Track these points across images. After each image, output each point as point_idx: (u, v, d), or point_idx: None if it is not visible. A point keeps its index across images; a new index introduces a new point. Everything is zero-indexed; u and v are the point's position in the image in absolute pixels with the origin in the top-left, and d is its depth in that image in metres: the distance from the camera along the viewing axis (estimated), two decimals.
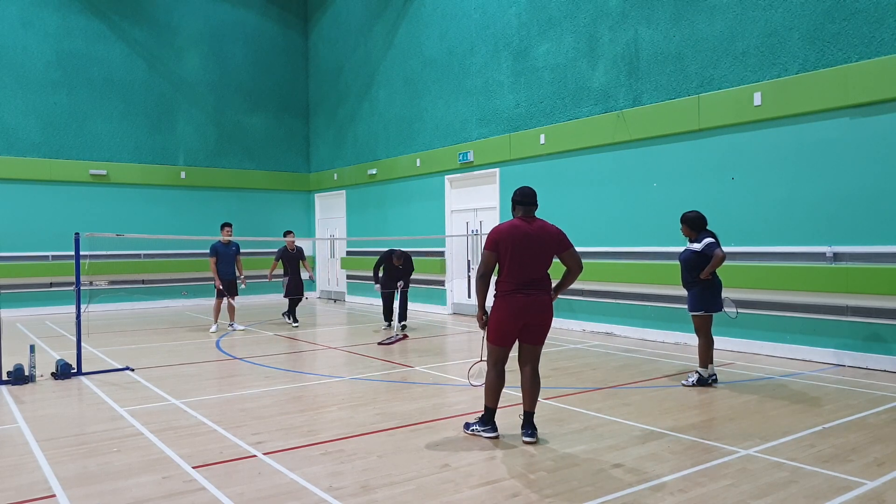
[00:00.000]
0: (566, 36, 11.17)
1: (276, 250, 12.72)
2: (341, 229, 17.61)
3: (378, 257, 11.55)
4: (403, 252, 11.33)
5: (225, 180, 17.20)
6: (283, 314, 12.63)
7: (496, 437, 4.99)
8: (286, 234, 12.43)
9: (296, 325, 12.17)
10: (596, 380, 7.13)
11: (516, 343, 5.03)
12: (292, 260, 12.17)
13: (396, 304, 11.32)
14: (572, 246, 5.01)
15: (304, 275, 12.39)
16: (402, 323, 11.26)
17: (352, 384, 7.06)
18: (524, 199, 5.03)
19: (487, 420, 5.05)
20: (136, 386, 7.03)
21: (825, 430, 5.13)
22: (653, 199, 9.89)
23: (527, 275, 4.84)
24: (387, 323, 11.68)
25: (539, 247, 4.86)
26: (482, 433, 5.04)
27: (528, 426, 4.93)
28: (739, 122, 8.81)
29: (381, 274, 11.56)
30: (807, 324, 8.19)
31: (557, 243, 4.93)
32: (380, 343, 9.81)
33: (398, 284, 11.22)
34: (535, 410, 5.02)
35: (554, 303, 5.02)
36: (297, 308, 12.39)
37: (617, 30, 10.37)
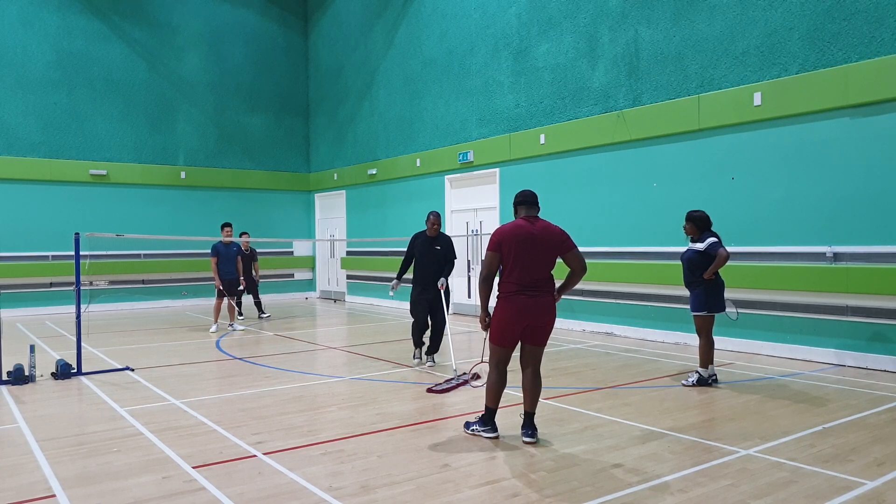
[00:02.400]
0: (566, 36, 11.17)
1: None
2: (341, 229, 17.60)
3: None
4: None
5: (225, 180, 17.20)
6: (259, 317, 13.32)
7: (496, 438, 4.99)
8: (241, 234, 13.43)
9: (241, 317, 13.07)
10: (596, 380, 7.13)
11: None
12: (244, 260, 12.80)
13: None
14: (576, 247, 4.97)
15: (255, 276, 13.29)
16: (432, 355, 8.08)
17: (352, 384, 7.06)
18: (526, 200, 5.02)
19: (487, 420, 5.04)
20: (136, 386, 7.03)
21: (825, 430, 5.13)
22: (653, 199, 9.89)
23: (529, 276, 4.82)
24: (420, 352, 8.18)
25: (542, 247, 4.84)
26: (482, 433, 5.03)
27: (529, 426, 4.93)
28: (739, 122, 8.81)
29: (408, 268, 8.24)
30: (807, 324, 8.19)
31: (561, 244, 4.91)
32: (431, 389, 6.63)
33: (439, 283, 7.84)
34: (536, 411, 5.03)
35: (557, 304, 5.02)
36: (241, 302, 13.06)
37: (617, 30, 10.36)
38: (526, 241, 4.82)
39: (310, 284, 18.79)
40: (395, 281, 8.15)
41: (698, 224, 6.86)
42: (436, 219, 7.93)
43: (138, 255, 15.76)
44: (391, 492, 3.95)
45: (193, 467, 4.38)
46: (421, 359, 8.13)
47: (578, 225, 10.62)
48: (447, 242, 8.08)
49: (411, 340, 8.27)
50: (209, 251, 11.80)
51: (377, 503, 3.79)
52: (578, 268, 4.92)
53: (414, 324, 8.06)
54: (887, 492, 3.88)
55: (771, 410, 5.77)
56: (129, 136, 15.94)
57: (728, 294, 7.10)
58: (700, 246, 6.76)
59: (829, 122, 7.98)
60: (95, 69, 15.52)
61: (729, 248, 7.40)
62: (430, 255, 7.93)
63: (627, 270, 10.13)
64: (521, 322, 4.84)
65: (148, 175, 16.05)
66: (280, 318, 13.51)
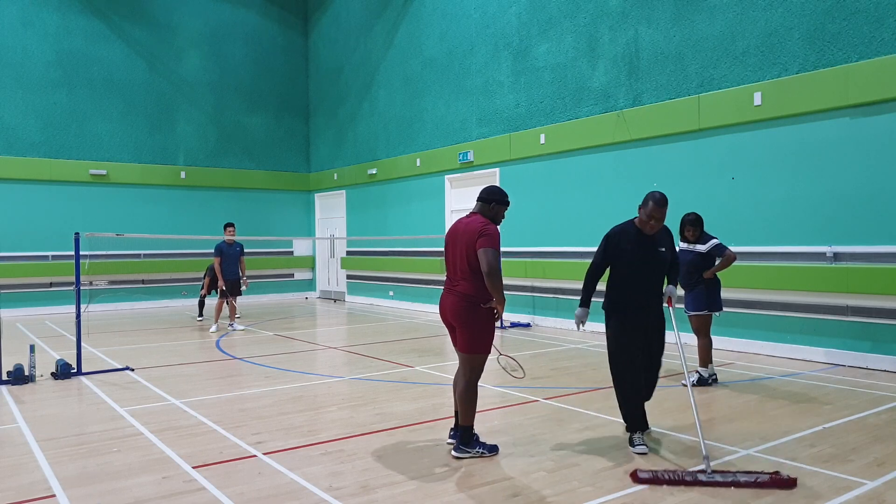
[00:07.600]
0: (566, 36, 11.17)
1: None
2: (341, 229, 17.60)
3: (602, 245, 5.46)
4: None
5: (225, 180, 17.19)
6: (197, 317, 13.22)
7: (492, 454, 4.59)
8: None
9: (200, 319, 12.98)
10: (596, 380, 7.13)
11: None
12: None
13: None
14: (486, 245, 4.42)
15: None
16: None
17: (352, 384, 7.06)
18: (478, 197, 4.76)
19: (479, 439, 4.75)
20: (136, 386, 7.03)
21: (825, 430, 5.13)
22: None
23: (449, 273, 4.81)
24: (643, 436, 4.78)
25: (458, 245, 4.63)
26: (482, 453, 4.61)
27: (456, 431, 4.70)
28: (739, 122, 8.81)
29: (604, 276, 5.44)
30: (807, 324, 8.19)
31: (471, 242, 4.51)
32: (637, 476, 4.06)
33: (665, 292, 5.13)
34: (470, 424, 4.55)
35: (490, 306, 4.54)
36: (203, 303, 13.20)
37: (617, 30, 10.36)
38: (452, 238, 4.75)
39: (310, 284, 18.79)
40: (582, 310, 5.28)
41: (700, 225, 6.84)
42: (659, 213, 4.88)
43: (138, 255, 15.75)
44: (391, 492, 3.95)
45: (193, 467, 4.38)
46: (644, 445, 4.63)
47: (578, 225, 10.61)
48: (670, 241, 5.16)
49: (621, 410, 4.94)
50: (211, 251, 11.83)
51: (377, 503, 3.79)
52: (482, 268, 4.41)
53: (625, 381, 4.96)
54: (887, 492, 3.88)
55: (771, 410, 5.77)
56: (128, 136, 15.94)
57: (728, 294, 7.09)
58: (702, 248, 6.74)
59: (829, 122, 7.98)
60: (95, 69, 15.51)
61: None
62: (645, 248, 5.14)
63: None
64: (443, 317, 4.80)
65: (148, 175, 16.05)
66: (280, 318, 13.50)
